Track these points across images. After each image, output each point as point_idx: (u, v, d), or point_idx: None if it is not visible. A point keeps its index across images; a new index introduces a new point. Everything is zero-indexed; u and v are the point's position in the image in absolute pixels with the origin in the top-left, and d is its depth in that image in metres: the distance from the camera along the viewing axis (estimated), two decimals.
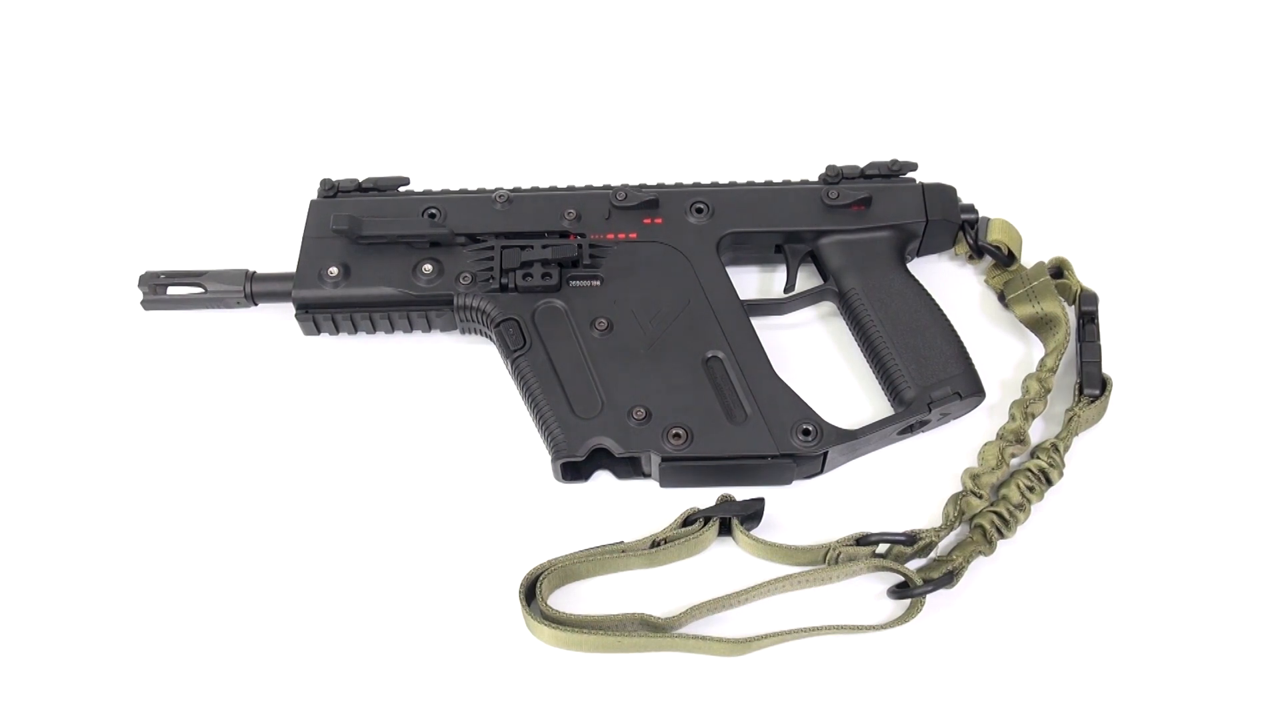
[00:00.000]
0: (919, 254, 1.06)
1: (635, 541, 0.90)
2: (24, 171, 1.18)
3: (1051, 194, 1.13)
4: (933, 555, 0.92)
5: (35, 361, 1.04)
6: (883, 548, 0.90)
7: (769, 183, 1.06)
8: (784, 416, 0.92)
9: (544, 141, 1.20)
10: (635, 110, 1.22)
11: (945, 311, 0.99)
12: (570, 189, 1.05)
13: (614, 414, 0.93)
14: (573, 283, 0.99)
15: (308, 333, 1.03)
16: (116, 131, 1.21)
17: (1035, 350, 1.03)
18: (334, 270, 0.99)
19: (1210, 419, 0.99)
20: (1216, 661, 0.87)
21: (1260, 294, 1.07)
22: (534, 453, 0.96)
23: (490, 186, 1.05)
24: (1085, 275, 1.03)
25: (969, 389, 0.95)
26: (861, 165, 1.06)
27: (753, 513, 0.91)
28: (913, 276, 1.01)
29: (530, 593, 0.88)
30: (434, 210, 1.02)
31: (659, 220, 1.03)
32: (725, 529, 0.91)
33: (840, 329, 1.03)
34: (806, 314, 1.05)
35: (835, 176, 1.05)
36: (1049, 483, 0.92)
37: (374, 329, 1.03)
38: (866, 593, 0.91)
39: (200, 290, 1.01)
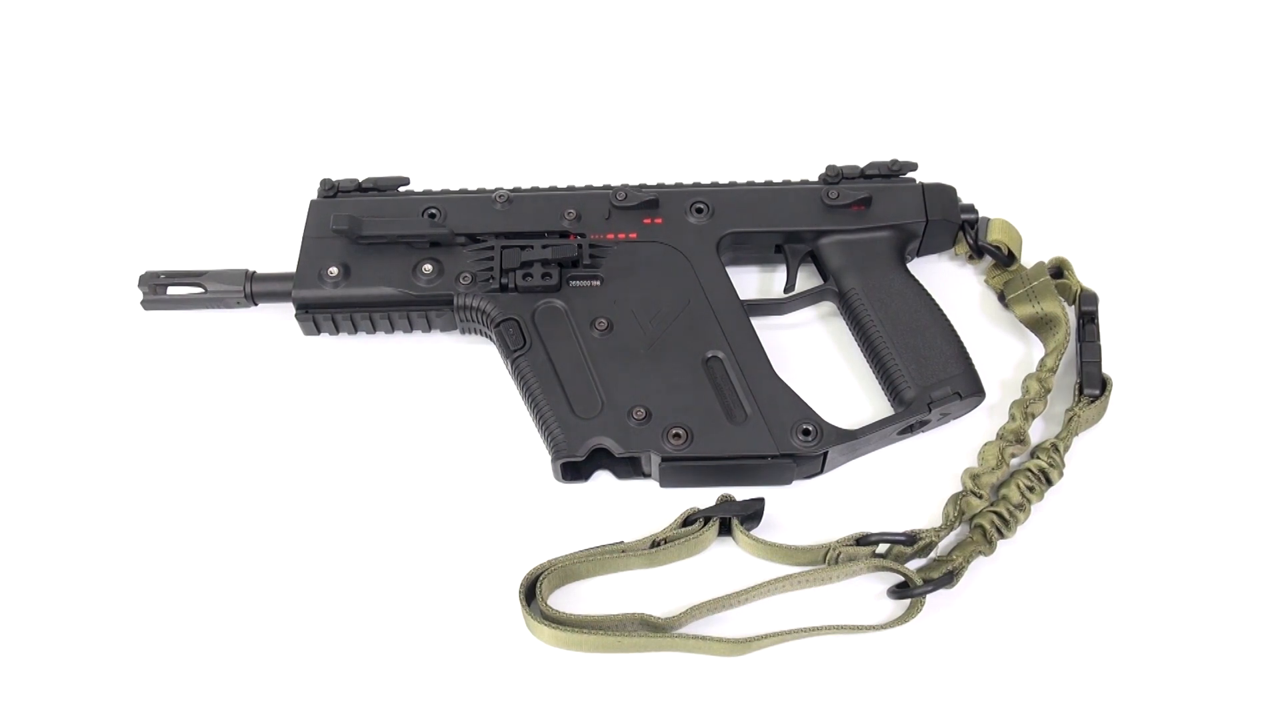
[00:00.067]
0: (919, 254, 1.06)
1: (635, 541, 0.90)
2: (24, 172, 1.18)
3: (1051, 194, 1.13)
4: (933, 555, 0.92)
5: (35, 361, 1.04)
6: (883, 548, 0.90)
7: (769, 183, 1.06)
8: (784, 416, 0.92)
9: (544, 141, 1.20)
10: (635, 110, 1.22)
11: (945, 311, 0.99)
12: (570, 189, 1.05)
13: (614, 414, 0.93)
14: (573, 283, 0.99)
15: (308, 333, 1.03)
16: (116, 132, 1.21)
17: (1035, 350, 1.03)
18: (334, 270, 0.99)
19: (1210, 419, 0.99)
20: (1216, 661, 0.87)
21: (1260, 294, 1.07)
22: (534, 453, 0.96)
23: (490, 186, 1.05)
24: (1085, 275, 1.03)
25: (969, 389, 0.95)
26: (861, 165, 1.06)
27: (753, 513, 0.91)
28: (913, 276, 1.01)
29: (530, 593, 0.88)
30: (434, 210, 1.02)
31: (659, 220, 1.03)
32: (725, 529, 0.91)
33: (840, 329, 1.03)
34: (806, 314, 1.05)
35: (835, 176, 1.05)
36: (1049, 483, 0.92)
37: (374, 329, 1.03)
38: (866, 593, 0.91)
39: (200, 290, 1.01)
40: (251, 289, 1.01)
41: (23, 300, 1.08)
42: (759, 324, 1.00)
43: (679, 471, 0.93)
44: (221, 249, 1.10)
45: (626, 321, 0.97)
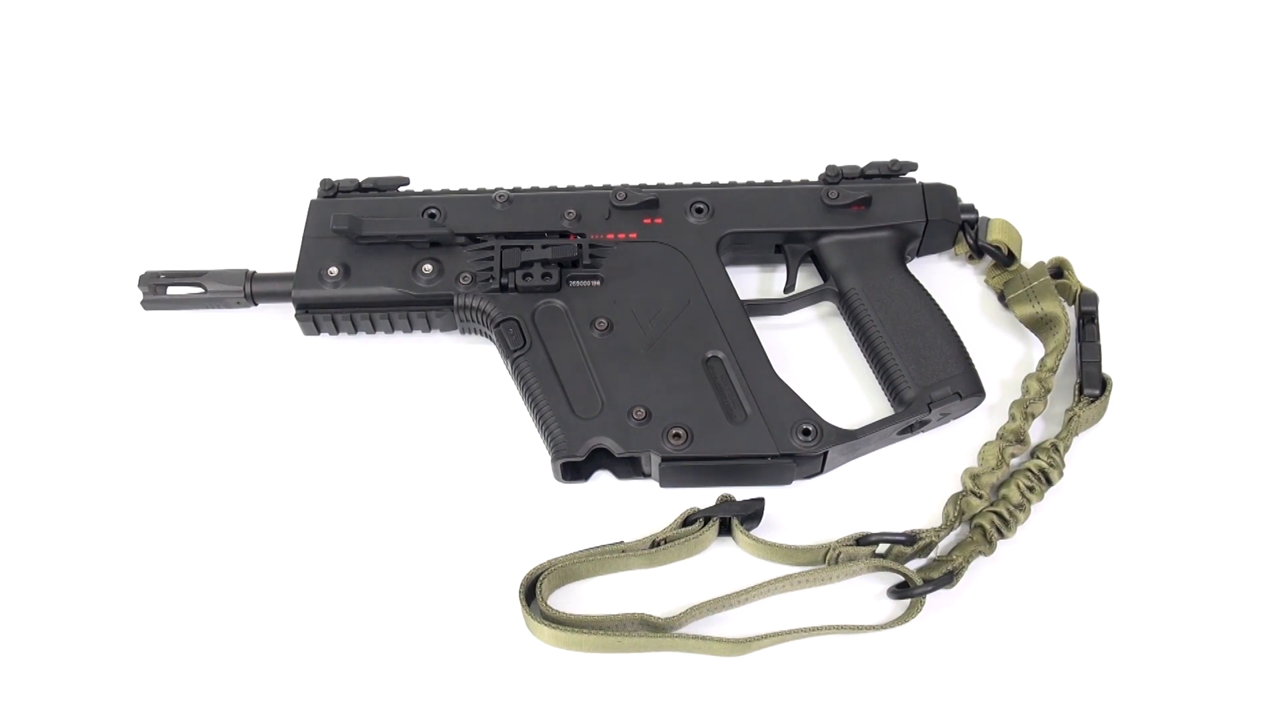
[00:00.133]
0: (919, 254, 1.06)
1: (635, 541, 0.90)
2: (24, 172, 1.18)
3: (1051, 194, 1.13)
4: (933, 555, 0.92)
5: (35, 361, 1.04)
6: (883, 548, 0.90)
7: (769, 183, 1.06)
8: (784, 416, 0.92)
9: (544, 141, 1.20)
10: (635, 110, 1.22)
11: (945, 311, 0.99)
12: (570, 189, 1.05)
13: (614, 414, 0.93)
14: (573, 283, 0.99)
15: (308, 333, 1.03)
16: (116, 132, 1.21)
17: (1035, 350, 1.03)
18: (334, 270, 0.99)
19: (1210, 419, 0.99)
20: (1216, 661, 0.87)
21: (1260, 294, 1.07)
22: (534, 453, 0.96)
23: (490, 186, 1.05)
24: (1085, 275, 1.03)
25: (969, 389, 0.95)
26: (861, 165, 1.06)
27: (753, 513, 0.91)
28: (913, 276, 1.01)
29: (530, 593, 0.88)
30: (434, 210, 1.02)
31: (659, 220, 1.03)
32: (725, 529, 0.91)
33: (840, 329, 1.03)
34: (806, 314, 1.05)
35: (835, 176, 1.05)
36: (1049, 483, 0.92)
37: (374, 329, 1.03)
38: (866, 593, 0.91)
39: (200, 290, 1.01)
40: (251, 289, 1.01)
41: (23, 300, 1.08)
42: (759, 324, 1.00)
43: (679, 471, 0.93)
44: (221, 249, 1.10)
45: (626, 321, 0.97)
